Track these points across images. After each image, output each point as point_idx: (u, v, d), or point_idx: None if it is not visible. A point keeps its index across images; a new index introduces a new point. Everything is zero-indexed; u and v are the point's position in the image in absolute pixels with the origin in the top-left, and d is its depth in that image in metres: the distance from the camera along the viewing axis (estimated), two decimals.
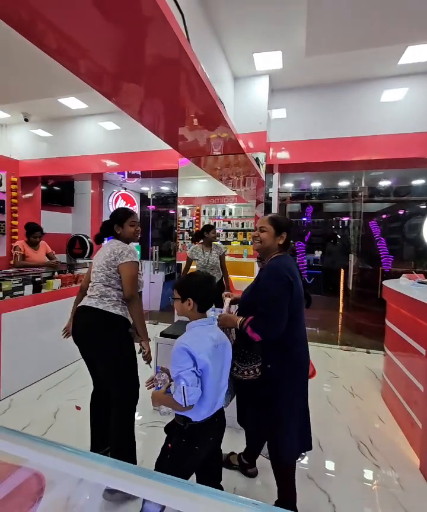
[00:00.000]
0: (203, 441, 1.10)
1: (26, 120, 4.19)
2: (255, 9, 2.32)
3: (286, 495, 1.35)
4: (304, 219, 6.35)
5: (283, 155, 3.46)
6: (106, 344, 1.48)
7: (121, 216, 1.64)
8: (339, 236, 6.58)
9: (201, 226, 3.46)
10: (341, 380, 2.80)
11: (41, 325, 2.69)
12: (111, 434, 1.53)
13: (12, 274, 2.55)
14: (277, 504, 1.37)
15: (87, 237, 4.78)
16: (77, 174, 4.34)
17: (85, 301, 1.53)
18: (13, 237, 3.61)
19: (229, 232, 4.20)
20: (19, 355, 2.49)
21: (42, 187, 4.65)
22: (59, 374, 2.81)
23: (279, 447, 1.28)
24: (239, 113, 3.33)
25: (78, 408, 2.25)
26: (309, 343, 1.41)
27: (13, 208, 3.67)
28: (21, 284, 2.50)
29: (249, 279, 2.95)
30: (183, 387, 0.98)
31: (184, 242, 4.22)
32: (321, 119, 3.36)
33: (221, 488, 1.28)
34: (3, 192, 3.56)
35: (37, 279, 2.68)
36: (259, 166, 3.19)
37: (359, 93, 3.27)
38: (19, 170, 3.90)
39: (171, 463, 1.10)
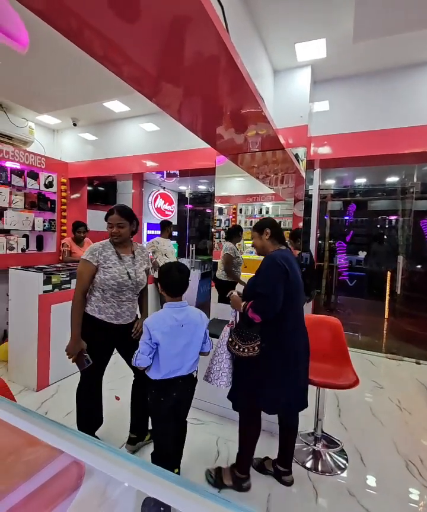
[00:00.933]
0: (167, 394, 1.38)
1: (74, 125, 4.47)
2: None
3: (245, 454, 1.54)
4: (346, 218, 6.00)
5: (325, 150, 3.29)
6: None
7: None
8: (386, 236, 6.12)
9: (232, 226, 3.45)
10: (387, 391, 2.60)
11: None
12: None
13: (61, 269, 2.74)
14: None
15: None
16: (120, 174, 4.53)
17: None
18: (62, 234, 3.89)
19: None
20: (66, 344, 2.67)
21: (88, 188, 4.94)
22: None
23: (259, 398, 1.44)
24: (278, 107, 3.22)
25: (117, 398, 2.36)
26: (349, 349, 1.45)
27: (63, 207, 3.94)
28: (68, 278, 2.68)
29: None
30: (136, 352, 1.32)
31: (220, 241, 4.21)
32: (368, 109, 3.13)
33: (184, 428, 1.55)
34: (54, 193, 3.84)
35: None
36: (299, 162, 3.07)
37: (411, 79, 2.98)
38: (68, 172, 4.18)
39: (149, 405, 1.44)
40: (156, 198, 5.53)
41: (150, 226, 5.40)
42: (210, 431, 2.01)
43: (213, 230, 4.26)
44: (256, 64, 2.67)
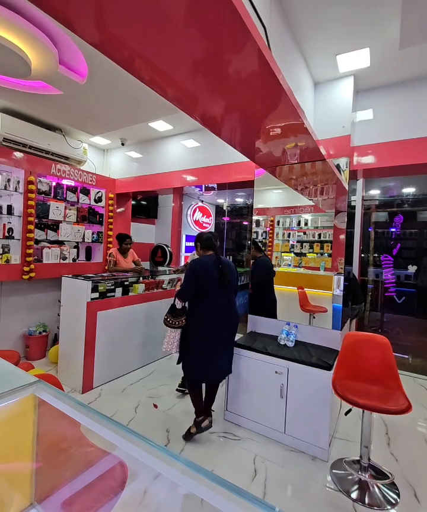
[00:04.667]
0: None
1: (122, 144, 4.84)
2: (340, 9, 2.22)
3: (194, 406, 2.13)
4: (392, 230, 5.64)
5: (369, 159, 3.17)
6: None
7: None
8: None
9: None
10: None
11: (127, 324, 2.99)
12: None
13: (106, 278, 2.92)
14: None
15: (167, 246, 5.16)
16: (161, 189, 4.77)
17: None
18: (108, 245, 4.15)
19: (304, 243, 4.00)
20: (109, 350, 2.80)
21: (132, 202, 5.25)
22: (140, 371, 3.05)
23: (185, 367, 2.11)
24: (319, 119, 3.20)
25: (155, 406, 2.40)
26: (399, 371, 1.65)
27: (110, 220, 4.23)
28: (113, 287, 2.84)
29: (327, 294, 2.73)
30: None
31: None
32: (415, 116, 2.98)
33: None
34: (103, 207, 4.15)
35: (125, 283, 3.00)
36: (341, 173, 2.98)
37: None
38: (115, 188, 4.50)
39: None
40: (194, 211, 5.69)
41: (189, 238, 5.55)
42: (247, 448, 1.95)
43: (250, 242, 4.26)
44: (296, 78, 2.70)
